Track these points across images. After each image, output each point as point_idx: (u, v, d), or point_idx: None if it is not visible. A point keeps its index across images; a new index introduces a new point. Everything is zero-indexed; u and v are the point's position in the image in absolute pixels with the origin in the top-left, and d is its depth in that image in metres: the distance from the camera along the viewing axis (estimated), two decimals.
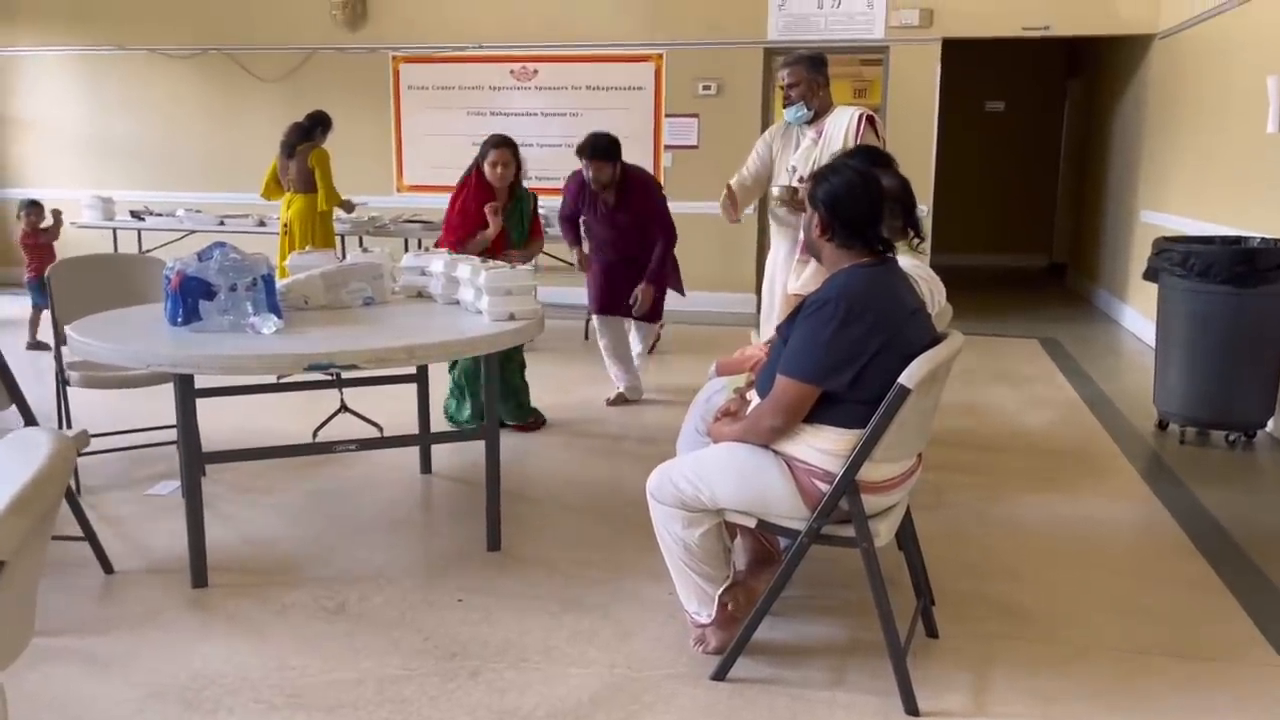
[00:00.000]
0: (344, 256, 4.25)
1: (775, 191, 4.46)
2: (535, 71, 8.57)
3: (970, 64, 9.34)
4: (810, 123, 4.39)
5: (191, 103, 9.13)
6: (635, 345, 5.59)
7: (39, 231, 6.74)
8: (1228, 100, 5.97)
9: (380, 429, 4.46)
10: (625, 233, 5.20)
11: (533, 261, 5.16)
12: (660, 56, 8.36)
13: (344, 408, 4.55)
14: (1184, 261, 4.66)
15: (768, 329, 4.36)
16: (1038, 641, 2.89)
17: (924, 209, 6.46)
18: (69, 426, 4.08)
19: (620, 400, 5.47)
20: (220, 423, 4.52)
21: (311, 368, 3.01)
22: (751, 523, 2.60)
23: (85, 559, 3.28)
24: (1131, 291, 7.68)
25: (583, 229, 5.38)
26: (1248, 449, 4.78)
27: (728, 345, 4.32)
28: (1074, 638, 2.91)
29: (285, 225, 6.71)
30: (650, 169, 7.63)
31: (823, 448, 2.48)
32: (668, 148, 8.41)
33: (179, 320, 3.23)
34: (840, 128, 4.23)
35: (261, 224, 7.77)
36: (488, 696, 2.57)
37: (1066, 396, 5.72)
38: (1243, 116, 5.68)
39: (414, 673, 2.69)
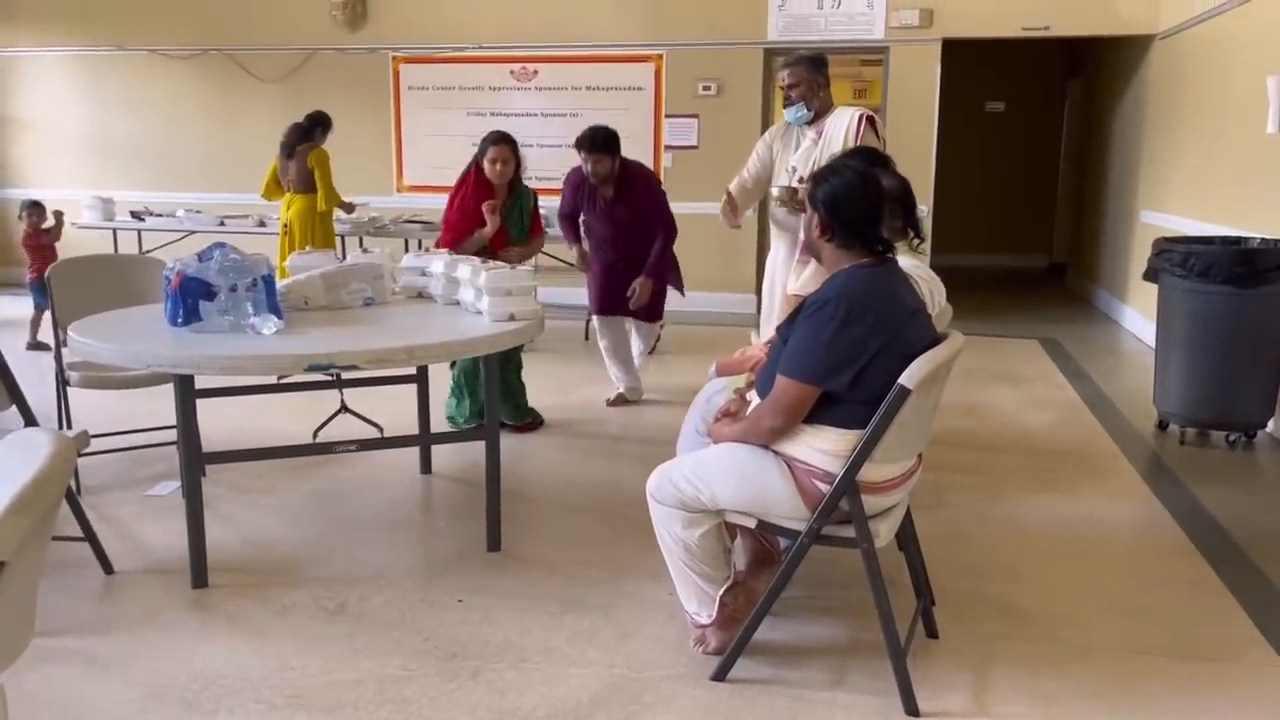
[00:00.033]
0: (344, 257, 4.26)
1: (775, 192, 4.46)
2: (535, 72, 8.57)
3: (970, 64, 9.34)
4: (810, 123, 4.39)
5: (191, 103, 9.13)
6: (636, 346, 5.58)
7: (41, 232, 6.75)
8: (1228, 101, 5.97)
9: (380, 429, 4.46)
10: (624, 228, 5.18)
11: (532, 261, 5.17)
12: (660, 57, 8.36)
13: (344, 408, 4.55)
14: (1184, 262, 4.66)
15: (768, 329, 4.36)
16: (1038, 642, 2.89)
17: (924, 209, 6.46)
18: (69, 427, 4.08)
19: (620, 401, 5.47)
20: (220, 423, 4.52)
21: (312, 368, 3.01)
22: (751, 523, 2.60)
23: (85, 559, 3.28)
24: (1131, 292, 7.68)
25: (583, 230, 5.37)
26: (1248, 449, 4.78)
27: (728, 346, 4.32)
28: (1074, 638, 2.92)
29: (285, 226, 6.72)
30: (650, 169, 7.62)
31: (823, 448, 2.48)
32: (668, 148, 8.41)
33: (179, 321, 3.23)
34: (840, 128, 4.22)
35: (261, 224, 7.78)
36: (488, 697, 2.57)
37: (1067, 397, 5.72)
38: (1243, 117, 5.68)
39: (414, 673, 2.69)
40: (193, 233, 7.95)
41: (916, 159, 7.63)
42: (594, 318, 5.51)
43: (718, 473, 2.58)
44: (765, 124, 8.16)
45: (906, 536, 2.84)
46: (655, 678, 2.67)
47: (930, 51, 7.91)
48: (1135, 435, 5.00)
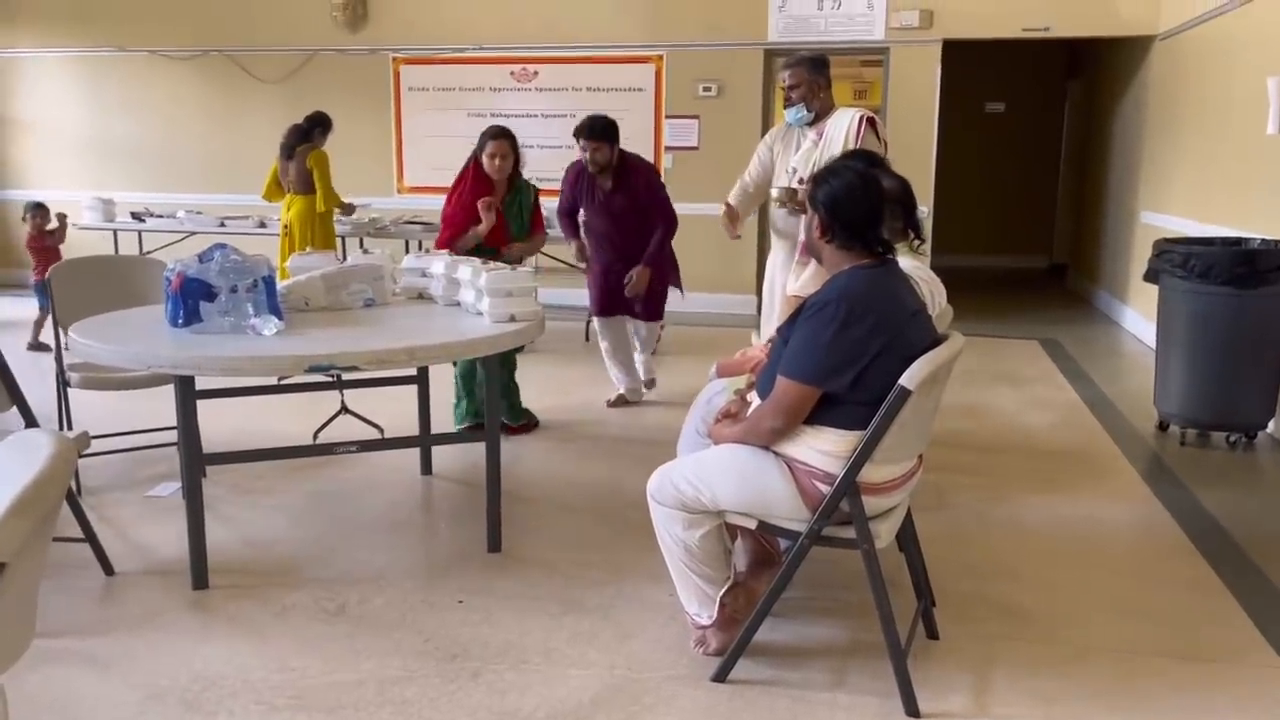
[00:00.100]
0: (344, 258, 4.26)
1: (775, 193, 4.47)
2: (535, 73, 8.57)
3: (970, 65, 9.34)
4: (811, 124, 4.40)
5: (192, 104, 9.13)
6: (639, 352, 5.54)
7: (45, 234, 6.75)
8: (1228, 102, 5.98)
9: (381, 430, 4.47)
10: (623, 221, 5.14)
11: (532, 262, 5.15)
12: (660, 58, 8.36)
13: (345, 409, 4.55)
14: (1184, 263, 4.66)
15: (768, 330, 4.36)
16: (1038, 642, 2.89)
17: (924, 210, 6.46)
18: (70, 428, 4.08)
19: (621, 402, 5.47)
20: (221, 424, 4.52)
21: (312, 369, 3.01)
22: (752, 524, 2.60)
23: (86, 560, 3.28)
24: (1132, 293, 7.67)
25: (582, 231, 5.37)
26: (1248, 450, 4.78)
27: (728, 347, 4.33)
28: (1075, 638, 2.91)
29: (285, 227, 6.72)
30: (650, 162, 7.61)
31: (823, 449, 2.48)
32: (668, 149, 8.41)
33: (180, 322, 3.23)
34: (841, 129, 4.23)
35: (262, 225, 7.78)
36: (488, 698, 2.57)
37: (1067, 398, 5.72)
38: (1243, 118, 5.68)
39: (415, 674, 2.69)
40: (193, 234, 7.95)
41: (916, 160, 7.64)
42: (594, 319, 5.51)
43: (718, 474, 2.58)
44: (765, 125, 8.17)
45: (907, 537, 2.84)
46: (655, 679, 2.67)
47: (930, 52, 7.91)
48: (1136, 436, 5.00)
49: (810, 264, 3.40)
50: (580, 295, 5.90)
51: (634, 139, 7.72)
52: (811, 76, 4.35)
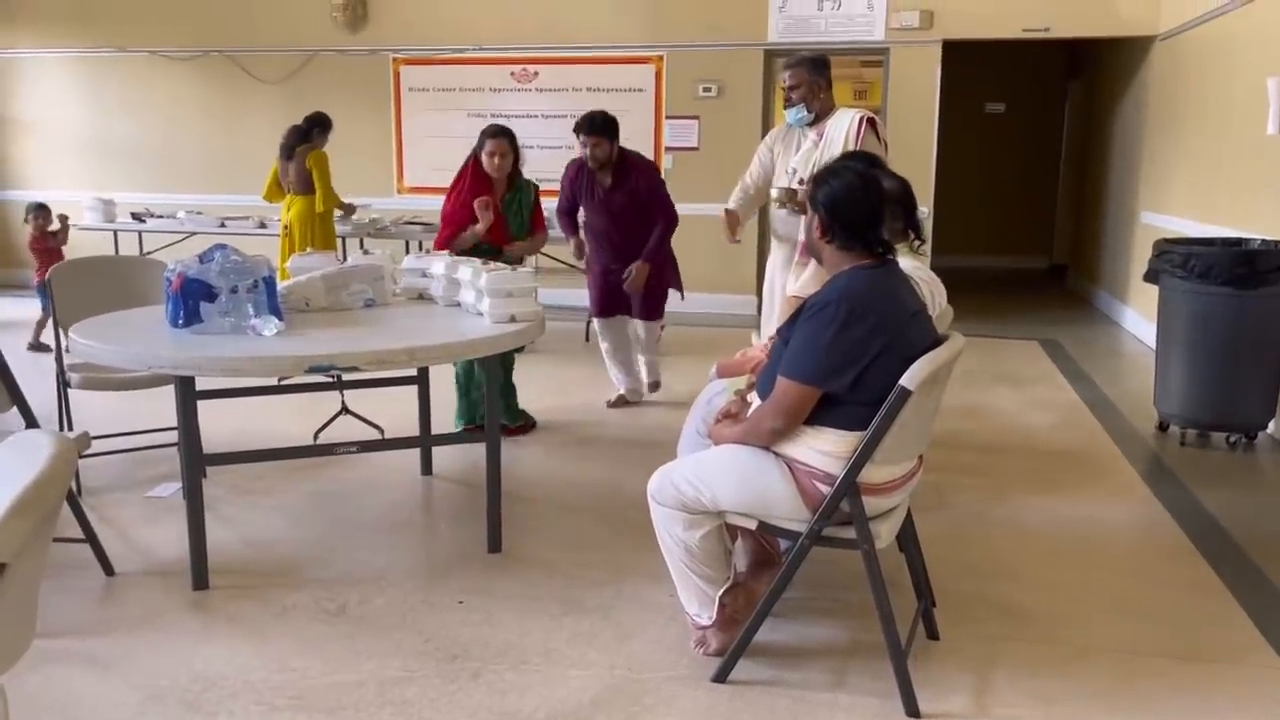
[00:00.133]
0: (345, 258, 4.26)
1: (774, 194, 4.47)
2: (535, 73, 8.57)
3: (970, 65, 9.34)
4: (811, 125, 4.40)
5: (192, 105, 9.13)
6: (642, 353, 5.51)
7: (47, 235, 6.76)
8: (1228, 102, 5.98)
9: (381, 431, 4.47)
10: (622, 218, 5.13)
11: (533, 263, 5.13)
12: (660, 58, 8.37)
13: (345, 410, 4.55)
14: (1185, 263, 4.66)
15: (768, 330, 4.36)
16: (1038, 642, 2.89)
17: (924, 211, 6.46)
18: (70, 428, 4.08)
19: (621, 402, 5.47)
20: (221, 425, 4.52)
21: (312, 370, 3.01)
22: (752, 524, 2.60)
23: (86, 561, 3.28)
24: (1132, 293, 7.68)
25: (582, 232, 5.37)
26: (1248, 450, 4.78)
27: (728, 347, 4.33)
28: (1075, 639, 2.92)
29: (286, 227, 6.73)
30: (650, 159, 7.60)
31: (824, 450, 2.48)
32: (668, 149, 8.41)
33: (180, 322, 3.23)
34: (841, 130, 4.23)
35: (262, 226, 7.78)
36: (488, 698, 2.57)
37: (1067, 398, 5.72)
38: (1243, 118, 5.68)
39: (415, 674, 2.69)
40: (194, 234, 7.96)
41: (916, 160, 7.64)
42: (594, 320, 5.51)
43: (718, 474, 2.58)
44: (766, 125, 8.17)
45: (907, 538, 2.84)
46: (656, 679, 2.67)
47: (930, 53, 7.91)
48: (1136, 436, 5.00)
49: (810, 264, 3.40)
50: (580, 295, 5.90)
51: (634, 139, 7.70)
52: (812, 77, 4.35)
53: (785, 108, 4.47)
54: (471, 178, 4.65)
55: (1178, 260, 4.70)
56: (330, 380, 4.14)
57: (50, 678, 2.65)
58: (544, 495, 4.12)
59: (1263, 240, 4.96)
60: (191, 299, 3.21)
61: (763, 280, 4.91)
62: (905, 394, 2.37)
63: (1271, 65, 5.26)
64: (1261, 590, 3.26)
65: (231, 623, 2.98)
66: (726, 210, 4.68)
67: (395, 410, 4.51)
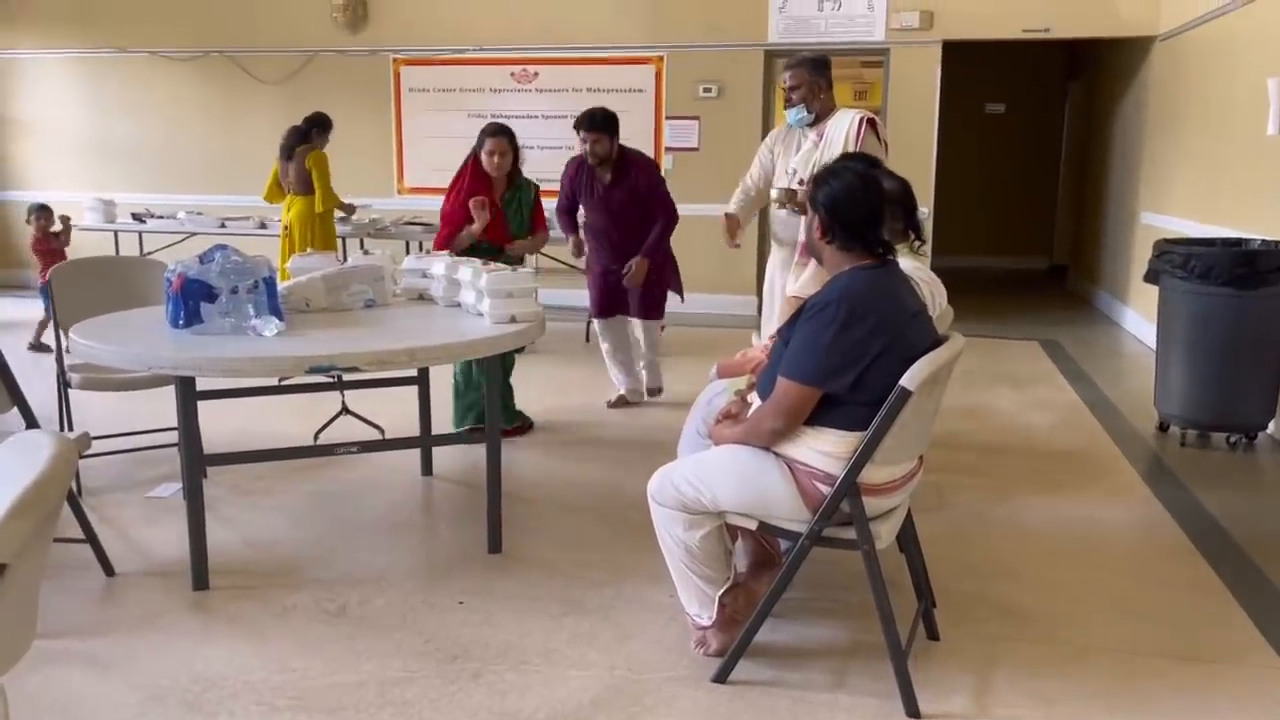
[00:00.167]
0: (345, 259, 4.26)
1: (774, 194, 4.47)
2: (536, 74, 8.58)
3: (971, 66, 9.34)
4: (812, 125, 4.40)
5: (192, 105, 9.13)
6: (643, 356, 5.49)
7: (50, 236, 6.75)
8: (1229, 102, 5.98)
9: (382, 431, 4.47)
10: (621, 217, 5.11)
11: (533, 263, 5.13)
12: (661, 59, 8.37)
13: (345, 410, 4.55)
14: (1185, 263, 4.66)
15: (768, 331, 4.36)
16: (1039, 643, 2.89)
17: (924, 211, 6.47)
18: (70, 429, 4.08)
19: (621, 402, 5.47)
20: (221, 425, 4.52)
21: (313, 370, 3.01)
22: (752, 525, 2.60)
23: (87, 561, 3.28)
24: (1132, 293, 7.68)
25: (581, 233, 5.37)
26: (1249, 451, 4.78)
27: (728, 347, 4.33)
28: (1075, 639, 2.92)
29: (286, 227, 6.74)
30: (650, 156, 7.60)
31: (824, 450, 2.48)
32: (668, 150, 8.41)
33: (180, 323, 3.23)
34: (841, 131, 4.23)
35: (263, 226, 7.79)
36: (489, 699, 2.57)
37: (1067, 398, 5.72)
38: (1244, 119, 5.68)
39: (415, 675, 2.69)
40: (194, 234, 7.96)
41: (917, 161, 7.64)
42: (595, 321, 5.51)
43: (719, 474, 2.58)
44: (766, 126, 8.17)
45: (907, 538, 2.84)
46: (656, 680, 2.67)
47: (930, 53, 7.91)
48: (1136, 437, 5.00)
49: (810, 265, 3.40)
50: (580, 296, 5.90)
51: (634, 140, 7.66)
52: (812, 77, 4.35)
53: (786, 108, 4.47)
54: (471, 177, 4.65)
55: (1178, 261, 4.70)
56: (330, 381, 4.14)
57: (50, 678, 2.65)
58: (544, 495, 4.12)
59: (1263, 241, 4.96)
60: (192, 299, 3.21)
61: (763, 281, 4.91)
62: (905, 394, 2.37)
63: (1272, 66, 5.26)
64: (1261, 590, 3.26)
65: (232, 623, 2.98)
66: (726, 214, 4.68)
67: (395, 410, 4.51)
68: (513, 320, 3.41)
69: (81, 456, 3.40)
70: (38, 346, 6.58)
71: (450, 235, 4.58)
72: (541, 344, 5.35)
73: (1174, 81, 7.17)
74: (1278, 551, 3.57)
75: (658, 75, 8.39)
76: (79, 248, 6.78)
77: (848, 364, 2.42)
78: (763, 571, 2.98)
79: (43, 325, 6.62)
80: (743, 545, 3.07)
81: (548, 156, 7.80)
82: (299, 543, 3.59)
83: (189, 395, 3.14)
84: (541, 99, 8.57)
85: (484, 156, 4.62)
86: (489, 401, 3.56)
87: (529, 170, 4.91)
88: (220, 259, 3.28)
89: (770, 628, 2.75)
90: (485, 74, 8.63)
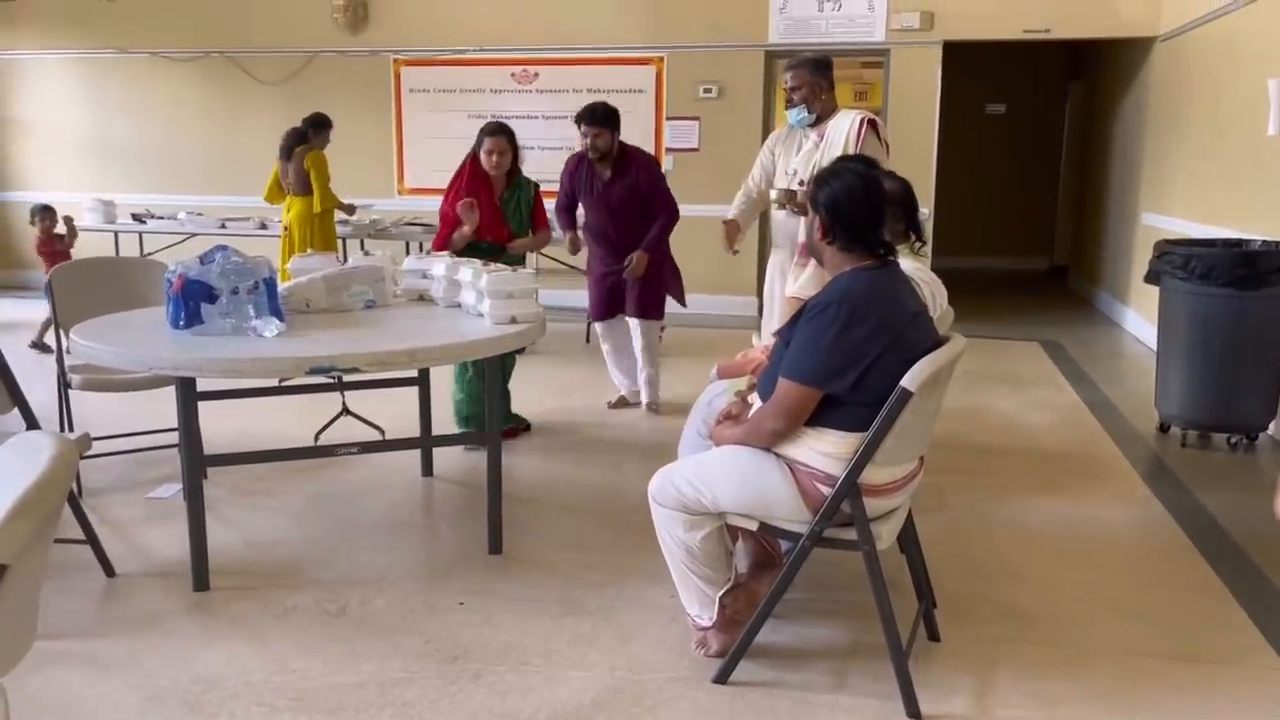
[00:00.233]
0: (345, 259, 4.26)
1: (774, 195, 4.46)
2: (536, 75, 8.58)
3: (971, 67, 9.35)
4: (813, 126, 4.39)
5: (192, 106, 9.14)
6: (641, 367, 5.39)
7: (54, 238, 6.75)
8: (1229, 103, 5.97)
9: (382, 432, 4.46)
10: (621, 214, 5.09)
11: (533, 263, 5.12)
12: (661, 59, 8.37)
13: (346, 411, 4.55)
14: (1185, 264, 4.66)
15: (768, 332, 4.36)
16: (1040, 644, 2.89)
17: (925, 212, 6.47)
18: (71, 429, 4.08)
19: (622, 403, 5.46)
20: (222, 426, 4.51)
21: (313, 371, 3.01)
22: (753, 525, 2.60)
23: (87, 562, 3.28)
24: (1133, 294, 7.67)
25: (581, 233, 5.36)
26: (1249, 451, 4.77)
27: (729, 348, 4.33)
28: (1076, 640, 2.91)
29: (286, 228, 6.75)
30: (651, 153, 7.58)
31: (825, 451, 2.48)
32: (669, 150, 8.41)
33: (181, 323, 3.23)
34: (842, 131, 4.23)
35: (263, 227, 7.79)
36: (489, 699, 2.57)
37: (1068, 399, 5.72)
38: (1244, 119, 5.68)
39: (415, 676, 2.69)
40: (194, 235, 7.96)
41: (917, 161, 7.64)
42: (595, 323, 5.50)
43: (719, 475, 2.58)
44: (766, 127, 8.17)
45: (908, 539, 2.84)
46: (657, 680, 2.67)
47: (931, 54, 7.91)
48: (1137, 437, 4.99)
49: (810, 265, 3.41)
50: (580, 297, 5.90)
51: (635, 140, 7.63)
52: (813, 78, 4.35)
53: (787, 109, 4.47)
54: (469, 176, 4.64)
55: (1178, 261, 4.70)
56: (331, 381, 4.14)
57: (51, 679, 2.65)
58: (545, 496, 4.12)
59: (1263, 241, 4.96)
60: (192, 300, 3.21)
61: (763, 282, 4.91)
62: (906, 395, 2.37)
63: (1272, 66, 5.26)
64: (1262, 591, 3.26)
65: (232, 624, 2.98)
66: (725, 220, 4.67)
67: (396, 411, 4.51)
68: (513, 321, 3.41)
69: (82, 457, 3.40)
70: (40, 345, 6.58)
71: (449, 235, 4.57)
72: (542, 345, 5.35)
73: (1175, 82, 7.17)
74: (1278, 552, 3.57)
75: (658, 76, 8.39)
76: (80, 248, 6.79)
77: (848, 365, 2.42)
78: (763, 572, 2.98)
79: (46, 325, 6.62)
80: (743, 546, 3.07)
81: (548, 157, 7.81)
82: (299, 543, 3.59)
83: (189, 396, 3.14)
84: (542, 100, 8.57)
85: (483, 155, 4.61)
86: (489, 401, 3.56)
87: (529, 171, 4.90)
88: (221, 260, 3.28)
89: (771, 628, 2.75)
90: (485, 74, 8.63)
